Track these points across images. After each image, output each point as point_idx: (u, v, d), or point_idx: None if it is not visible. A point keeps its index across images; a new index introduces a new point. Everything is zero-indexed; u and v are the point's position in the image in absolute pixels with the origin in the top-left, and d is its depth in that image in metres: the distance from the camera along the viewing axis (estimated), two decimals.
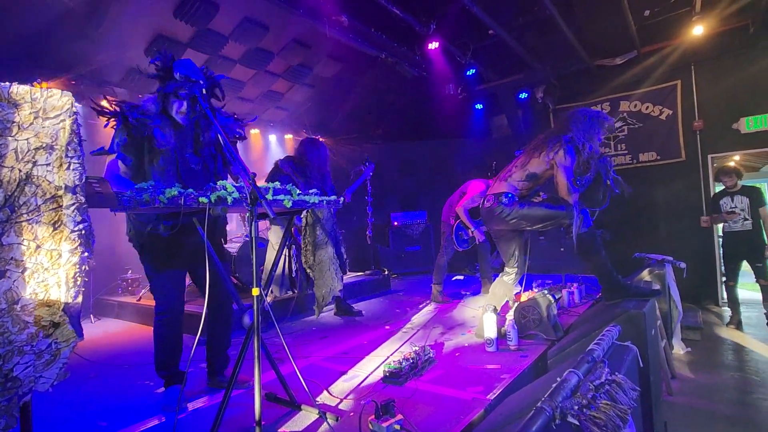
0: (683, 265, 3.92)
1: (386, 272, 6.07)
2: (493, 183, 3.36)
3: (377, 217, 6.73)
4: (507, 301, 3.33)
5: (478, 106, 7.41)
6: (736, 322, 4.73)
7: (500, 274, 3.28)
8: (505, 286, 3.20)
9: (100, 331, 4.22)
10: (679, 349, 3.99)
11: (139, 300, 4.65)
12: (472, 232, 4.49)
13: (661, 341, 3.26)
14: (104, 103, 2.05)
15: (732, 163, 4.90)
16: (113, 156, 2.10)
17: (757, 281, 4.56)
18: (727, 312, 5.11)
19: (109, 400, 2.43)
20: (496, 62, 6.74)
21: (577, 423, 0.99)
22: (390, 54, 5.57)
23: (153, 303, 2.30)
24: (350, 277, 5.64)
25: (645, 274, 3.72)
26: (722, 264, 5.18)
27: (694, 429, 2.64)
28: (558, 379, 1.20)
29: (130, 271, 5.25)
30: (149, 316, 4.22)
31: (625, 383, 1.21)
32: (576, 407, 1.02)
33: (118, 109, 2.06)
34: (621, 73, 6.67)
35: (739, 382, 3.32)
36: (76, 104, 1.23)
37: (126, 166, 2.09)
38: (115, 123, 2.06)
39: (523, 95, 7.03)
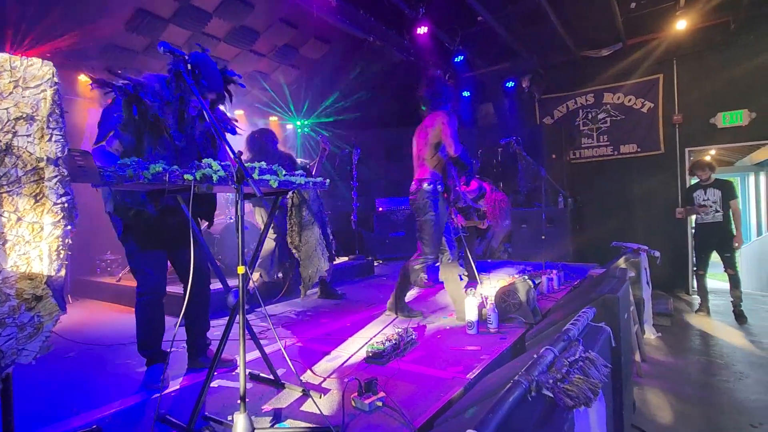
0: (657, 253, 4.06)
1: (370, 257, 6.11)
2: None
3: (362, 202, 6.74)
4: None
5: (465, 94, 7.42)
6: (705, 310, 4.94)
7: (441, 259, 3.30)
8: (452, 268, 3.28)
9: (78, 311, 4.16)
10: (650, 334, 4.16)
11: (118, 281, 4.58)
12: (454, 220, 4.54)
13: (634, 326, 3.39)
14: (82, 78, 1.98)
15: (707, 158, 5.04)
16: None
17: (725, 271, 4.75)
18: (696, 300, 5.33)
19: (88, 379, 2.42)
20: (484, 50, 6.74)
21: (552, 395, 1.04)
22: (378, 37, 5.51)
23: (133, 284, 2.27)
24: (334, 261, 5.66)
25: (621, 262, 3.84)
26: (694, 254, 5.37)
27: (661, 409, 2.78)
28: (534, 355, 1.26)
29: (108, 252, 5.16)
30: (128, 297, 4.20)
31: (598, 360, 1.27)
32: (551, 381, 1.07)
33: (124, 84, 1.98)
34: (606, 66, 6.77)
35: (704, 366, 3.48)
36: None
37: (122, 144, 2.02)
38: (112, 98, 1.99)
39: (510, 84, 7.07)
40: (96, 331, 3.41)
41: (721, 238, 4.73)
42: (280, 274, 4.20)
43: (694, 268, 5.08)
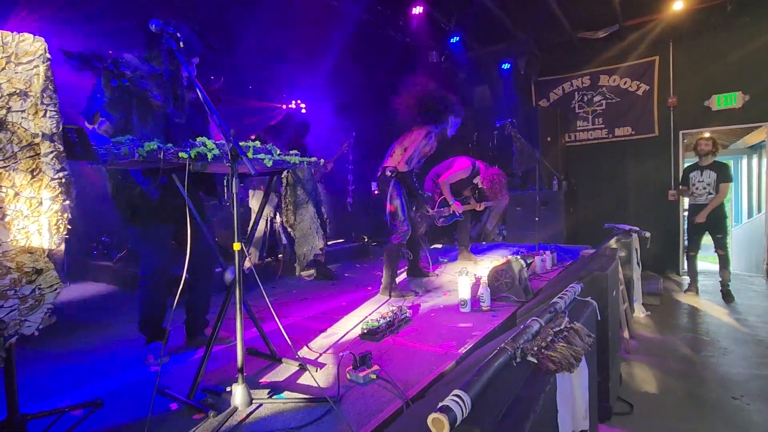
0: (647, 234, 4.13)
1: (366, 239, 6.16)
2: None
3: (358, 185, 6.75)
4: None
5: (461, 75, 7.37)
6: (694, 290, 5.04)
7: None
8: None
9: (75, 292, 4.19)
10: (639, 313, 4.25)
11: (115, 263, 4.61)
12: (452, 207, 4.57)
13: (623, 304, 3.47)
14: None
15: (711, 140, 4.96)
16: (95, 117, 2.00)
17: (715, 251, 4.84)
18: (686, 280, 5.43)
19: (87, 356, 2.46)
20: (480, 31, 6.67)
21: (536, 361, 1.09)
22: (373, 16, 5.44)
23: (129, 266, 2.30)
24: (330, 243, 5.70)
25: (613, 243, 3.91)
26: (686, 236, 5.44)
27: (646, 382, 2.87)
28: (521, 326, 1.31)
29: (104, 235, 5.16)
30: (125, 279, 4.24)
31: (582, 330, 1.32)
32: (535, 348, 1.12)
33: (102, 61, 1.96)
34: (602, 48, 6.73)
35: (691, 342, 3.58)
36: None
37: (111, 124, 2.01)
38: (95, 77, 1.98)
39: (506, 66, 7.02)
40: (93, 311, 3.45)
41: (713, 220, 4.79)
42: (271, 257, 4.26)
43: (686, 249, 5.16)
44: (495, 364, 1.01)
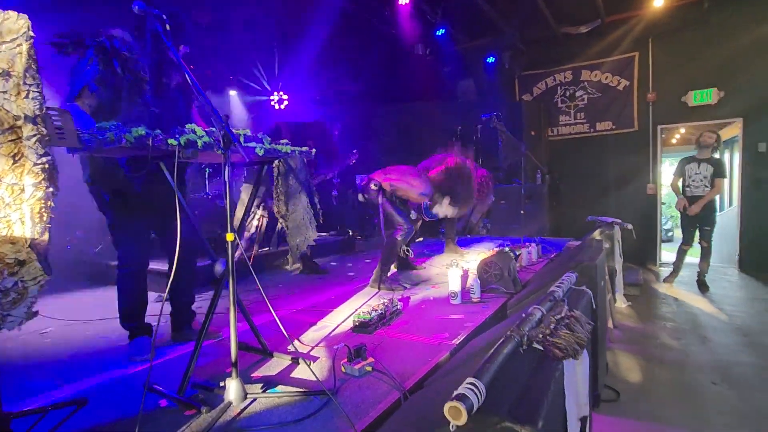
0: (630, 226, 4.22)
1: (351, 233, 6.11)
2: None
3: (343, 178, 6.69)
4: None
5: (446, 69, 7.37)
6: (671, 280, 5.18)
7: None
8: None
9: (52, 288, 4.02)
10: (621, 303, 4.36)
11: (96, 253, 4.45)
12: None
13: (607, 294, 3.55)
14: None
15: (715, 134, 5.02)
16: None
17: (699, 242, 4.95)
18: (664, 271, 5.59)
19: (69, 353, 2.36)
20: (465, 24, 6.68)
21: (542, 348, 1.08)
22: (358, 7, 5.37)
23: (107, 261, 2.20)
24: (316, 237, 5.65)
25: (596, 234, 3.98)
26: (665, 228, 5.57)
27: (631, 371, 2.94)
28: (523, 314, 1.30)
29: (79, 230, 4.97)
30: (103, 274, 4.09)
31: (582, 318, 1.33)
32: (540, 335, 1.12)
33: (98, 38, 1.86)
34: (585, 43, 6.83)
35: (670, 331, 3.69)
36: None
37: (98, 99, 1.90)
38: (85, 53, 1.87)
39: (491, 59, 7.05)
40: (72, 307, 3.32)
41: (705, 213, 4.86)
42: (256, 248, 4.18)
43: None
44: (504, 351, 1.00)
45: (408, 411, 1.43)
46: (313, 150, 2.10)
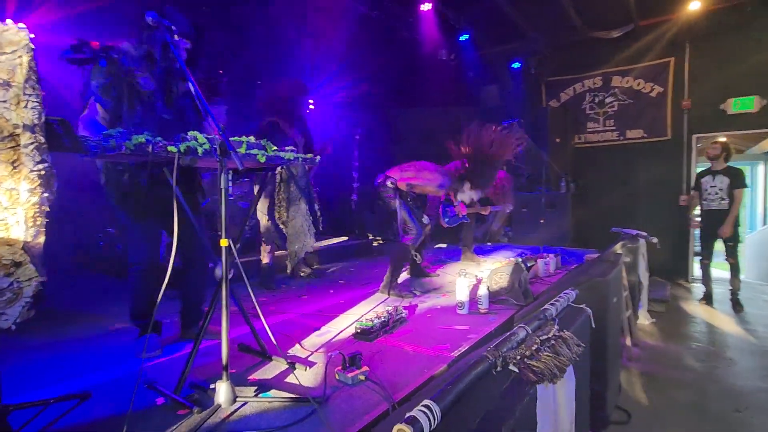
0: (655, 240, 4.04)
1: (370, 237, 6.13)
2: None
3: (363, 183, 6.72)
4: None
5: (470, 74, 7.29)
6: (708, 299, 4.89)
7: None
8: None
9: (78, 282, 4.24)
10: (644, 320, 4.17)
11: (120, 253, 4.64)
12: (457, 208, 4.50)
13: (626, 311, 3.40)
14: None
15: (719, 144, 4.83)
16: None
17: (726, 259, 4.71)
18: (696, 288, 5.31)
19: (78, 347, 2.46)
20: (490, 29, 6.59)
21: (517, 370, 1.05)
22: (382, 13, 5.39)
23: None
24: (333, 241, 5.70)
25: (618, 247, 3.82)
26: (698, 242, 5.29)
27: (646, 392, 2.80)
28: (508, 333, 1.27)
29: (111, 227, 5.21)
30: (125, 270, 4.26)
31: (571, 339, 1.27)
32: (518, 357, 1.08)
33: (94, 49, 1.97)
34: (616, 48, 6.60)
35: (695, 352, 3.50)
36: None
37: (105, 109, 2.02)
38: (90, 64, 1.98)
39: (516, 65, 6.93)
40: (92, 302, 3.47)
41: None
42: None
43: (699, 257, 5.00)
44: (472, 374, 0.97)
45: (390, 423, 1.41)
46: (317, 158, 2.12)
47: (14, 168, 1.14)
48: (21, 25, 1.14)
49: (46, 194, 1.16)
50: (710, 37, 6.03)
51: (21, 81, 1.15)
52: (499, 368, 1.05)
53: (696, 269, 6.41)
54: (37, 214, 1.15)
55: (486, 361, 1.04)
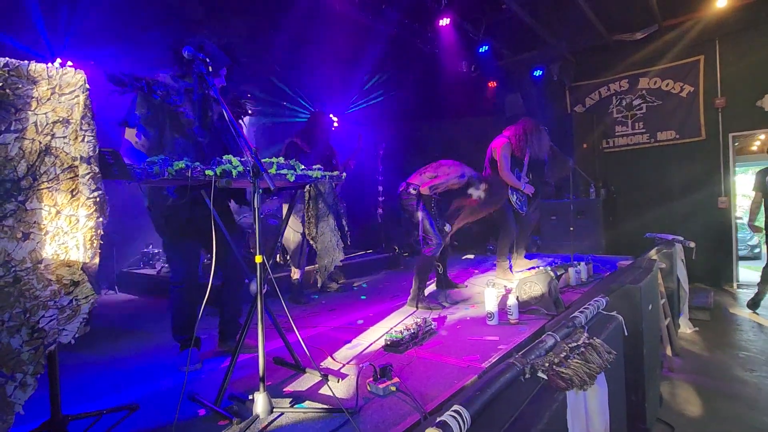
0: (692, 244, 3.89)
1: (397, 250, 6.17)
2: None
3: (388, 196, 6.79)
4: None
5: (491, 84, 7.30)
6: (755, 304, 4.60)
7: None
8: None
9: (121, 300, 4.46)
10: (686, 328, 4.00)
11: (158, 273, 4.87)
12: (524, 191, 4.46)
13: (665, 319, 3.28)
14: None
15: None
16: (132, 130, 2.18)
17: None
18: (741, 294, 5.03)
19: (128, 362, 2.61)
20: (510, 38, 6.61)
21: (546, 378, 1.06)
22: (401, 30, 5.51)
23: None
24: (360, 254, 5.77)
25: (653, 253, 3.71)
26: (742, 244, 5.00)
27: (690, 403, 2.69)
28: (537, 341, 1.28)
29: (150, 246, 5.48)
30: (166, 288, 4.46)
31: (602, 347, 1.27)
32: (547, 364, 1.10)
33: (138, 82, 2.14)
34: (640, 49, 6.47)
35: (742, 361, 3.33)
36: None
37: (146, 139, 2.17)
38: (133, 95, 2.14)
39: (538, 72, 6.89)
40: (136, 319, 3.66)
41: None
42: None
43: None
44: (501, 380, 0.99)
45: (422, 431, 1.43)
46: (344, 174, 2.20)
47: (73, 196, 1.26)
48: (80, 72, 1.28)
49: (101, 219, 1.28)
50: (741, 33, 5.83)
51: (78, 118, 1.28)
52: (527, 375, 1.06)
53: (745, 274, 6.08)
54: (94, 237, 1.26)
55: (514, 368, 1.06)
